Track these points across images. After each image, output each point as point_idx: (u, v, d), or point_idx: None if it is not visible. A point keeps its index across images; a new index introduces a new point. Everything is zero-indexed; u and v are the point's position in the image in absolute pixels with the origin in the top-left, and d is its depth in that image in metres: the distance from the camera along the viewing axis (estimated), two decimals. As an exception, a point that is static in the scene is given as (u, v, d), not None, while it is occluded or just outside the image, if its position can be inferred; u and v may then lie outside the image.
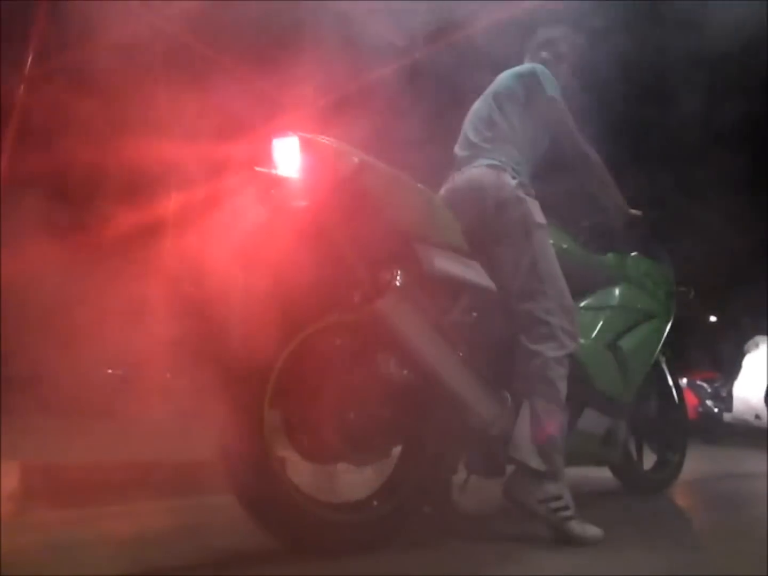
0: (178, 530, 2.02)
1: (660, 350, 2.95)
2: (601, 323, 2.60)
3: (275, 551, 1.67)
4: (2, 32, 4.75)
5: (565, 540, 1.94)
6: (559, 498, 1.97)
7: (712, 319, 18.80)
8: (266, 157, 1.76)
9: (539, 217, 2.18)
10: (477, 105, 2.46)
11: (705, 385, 9.38)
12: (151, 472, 2.51)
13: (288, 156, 1.74)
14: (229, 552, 1.75)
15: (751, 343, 8.76)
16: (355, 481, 1.91)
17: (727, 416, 8.54)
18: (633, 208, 2.69)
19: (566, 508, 1.97)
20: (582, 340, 2.31)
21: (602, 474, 3.01)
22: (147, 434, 3.51)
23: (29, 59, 5.58)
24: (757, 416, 7.95)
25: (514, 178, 2.21)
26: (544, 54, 2.60)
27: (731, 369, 8.95)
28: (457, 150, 2.41)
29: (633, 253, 2.96)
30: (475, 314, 2.10)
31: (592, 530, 1.97)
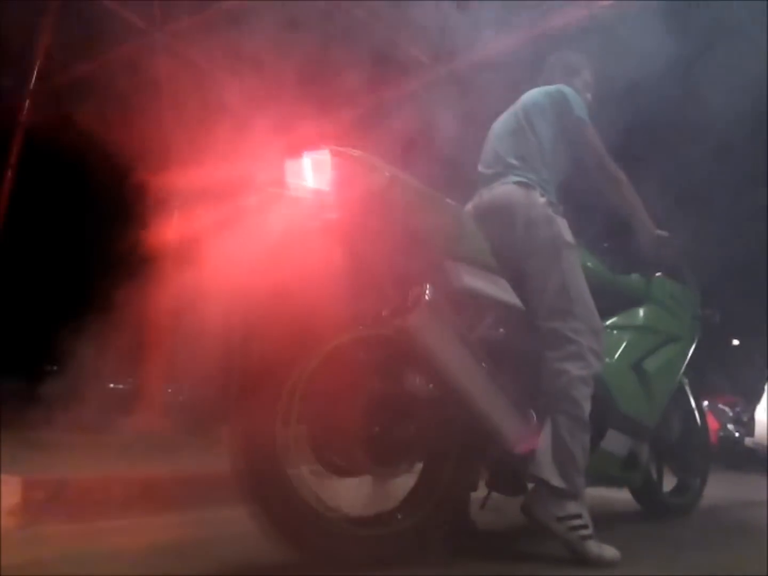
0: (180, 545, 2.03)
1: (683, 373, 2.93)
2: (625, 344, 2.58)
3: (281, 565, 1.67)
4: (6, 45, 4.83)
5: (582, 559, 1.93)
6: (578, 517, 1.97)
7: (735, 342, 18.59)
8: (298, 170, 1.79)
9: (568, 236, 2.19)
10: (503, 120, 2.47)
11: (726, 409, 9.26)
12: (153, 486, 2.52)
13: (319, 169, 1.77)
14: (232, 566, 1.75)
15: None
16: (376, 495, 1.91)
17: (748, 441, 8.40)
18: (660, 229, 2.67)
19: (585, 527, 1.97)
20: (606, 360, 2.30)
21: (621, 495, 2.98)
22: (149, 448, 3.53)
23: (34, 73, 5.66)
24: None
25: (542, 196, 2.21)
26: (575, 82, 2.59)
27: (753, 393, 8.81)
28: (483, 167, 2.40)
29: (658, 274, 2.94)
30: (501, 331, 2.11)
31: (610, 551, 1.96)
